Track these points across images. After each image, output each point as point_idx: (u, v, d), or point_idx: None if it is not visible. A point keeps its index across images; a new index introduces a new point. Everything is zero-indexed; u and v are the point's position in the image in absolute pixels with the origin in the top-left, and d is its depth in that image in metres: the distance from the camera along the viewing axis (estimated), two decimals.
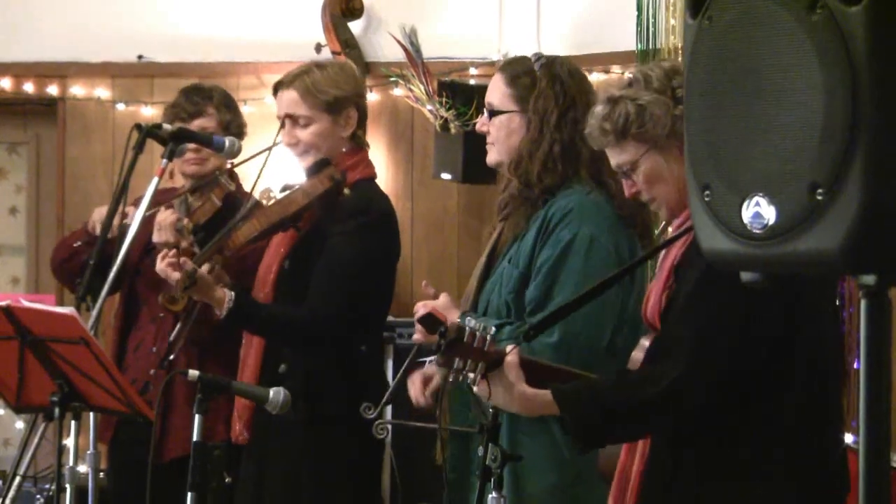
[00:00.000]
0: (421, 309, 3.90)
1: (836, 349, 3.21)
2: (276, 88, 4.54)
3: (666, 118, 3.16)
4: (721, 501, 3.09)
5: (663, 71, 3.23)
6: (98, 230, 4.75)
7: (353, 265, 4.38)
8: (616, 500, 3.28)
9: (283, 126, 4.50)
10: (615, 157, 3.28)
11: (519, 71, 4.12)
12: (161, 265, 4.31)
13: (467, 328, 3.19)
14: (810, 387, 3.07)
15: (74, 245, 4.88)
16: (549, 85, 4.03)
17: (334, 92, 4.47)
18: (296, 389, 4.08)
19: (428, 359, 5.41)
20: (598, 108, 3.26)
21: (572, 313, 3.62)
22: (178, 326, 4.51)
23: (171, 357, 4.54)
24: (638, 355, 3.31)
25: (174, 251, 4.36)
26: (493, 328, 3.28)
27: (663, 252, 3.29)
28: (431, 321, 3.31)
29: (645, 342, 3.30)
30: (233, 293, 4.30)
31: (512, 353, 3.25)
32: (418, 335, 3.92)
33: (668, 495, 3.15)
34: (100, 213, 4.83)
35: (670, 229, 3.32)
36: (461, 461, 4.04)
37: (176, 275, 4.25)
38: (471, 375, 3.25)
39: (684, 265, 3.12)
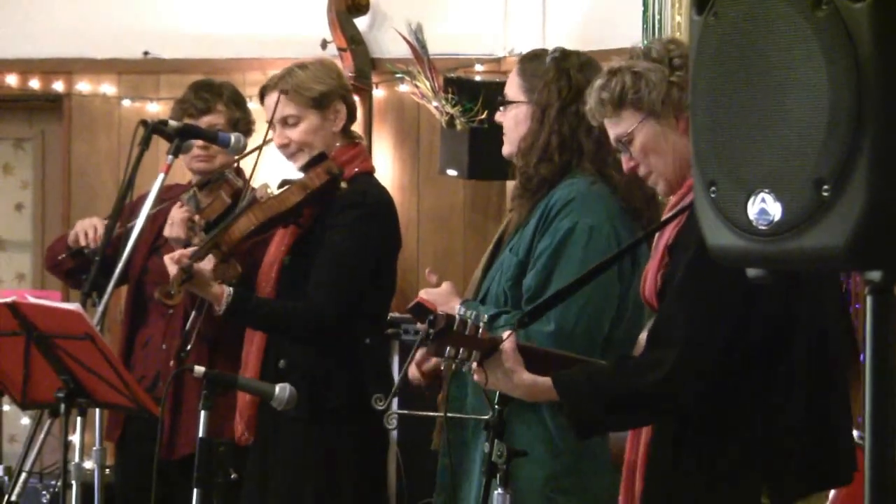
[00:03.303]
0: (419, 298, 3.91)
1: (841, 338, 3.19)
2: (262, 93, 4.56)
3: (661, 84, 3.21)
4: (720, 494, 3.09)
5: (662, 43, 3.30)
6: (83, 242, 4.77)
7: (350, 256, 4.38)
8: (627, 490, 3.29)
9: (273, 128, 4.52)
10: (612, 130, 3.31)
11: (533, 63, 4.16)
12: (166, 258, 4.33)
13: (457, 317, 3.20)
14: (813, 376, 3.07)
15: (59, 258, 4.90)
16: (555, 77, 4.05)
17: (319, 88, 4.49)
18: (297, 384, 4.08)
19: None
20: (598, 81, 3.32)
21: (570, 305, 3.64)
22: (192, 315, 4.51)
23: (188, 348, 4.54)
24: (644, 337, 3.31)
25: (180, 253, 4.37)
26: (486, 316, 3.29)
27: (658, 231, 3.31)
28: (421, 310, 3.32)
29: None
30: (231, 289, 4.31)
31: (508, 340, 3.26)
32: (419, 325, 3.90)
33: (668, 489, 3.15)
34: (82, 225, 4.83)
35: (666, 209, 3.33)
36: (456, 447, 4.05)
37: (175, 269, 4.26)
38: (466, 363, 3.26)
39: (678, 245, 3.12)
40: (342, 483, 4.41)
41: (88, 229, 4.78)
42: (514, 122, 4.14)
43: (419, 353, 4.14)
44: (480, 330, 3.22)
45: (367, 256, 4.43)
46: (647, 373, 3.07)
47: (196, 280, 4.26)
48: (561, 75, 4.05)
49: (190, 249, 4.38)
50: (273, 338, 4.46)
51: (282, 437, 4.43)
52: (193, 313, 4.51)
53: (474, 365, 3.27)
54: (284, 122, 4.50)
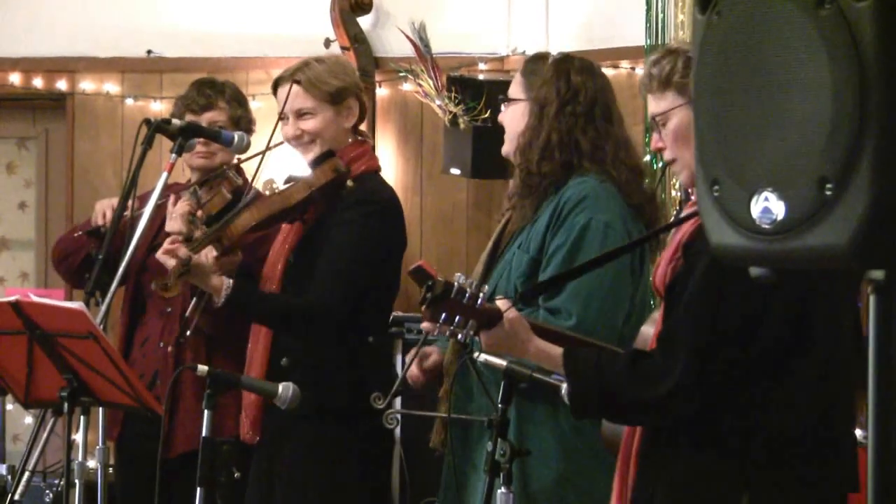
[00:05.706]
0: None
1: (852, 344, 3.18)
2: (277, 84, 4.55)
3: None
4: (710, 484, 3.08)
5: None
6: (101, 221, 4.77)
7: (354, 253, 4.37)
8: (622, 473, 3.29)
9: (281, 120, 4.50)
10: (653, 106, 3.31)
11: (535, 64, 4.24)
12: (159, 252, 4.32)
13: (456, 284, 3.19)
14: (820, 380, 3.06)
15: (76, 235, 4.89)
16: (554, 77, 4.12)
17: (335, 83, 4.48)
18: (301, 382, 4.07)
19: None
20: (654, 55, 3.33)
21: (591, 301, 3.64)
22: (192, 302, 4.50)
23: (187, 333, 4.55)
24: (648, 330, 3.31)
25: (172, 239, 4.36)
26: (486, 287, 3.29)
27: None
28: (421, 275, 3.29)
29: (657, 315, 3.30)
30: (230, 280, 4.30)
31: (511, 310, 3.26)
32: (426, 323, 3.90)
33: (661, 478, 3.15)
34: (101, 205, 4.84)
35: (688, 205, 3.32)
36: (460, 447, 4.06)
37: (171, 262, 4.25)
38: (462, 332, 3.26)
39: (694, 245, 3.12)
40: (347, 481, 4.41)
41: (107, 209, 4.79)
42: (511, 118, 4.20)
43: (416, 352, 4.16)
44: (480, 300, 3.21)
45: (371, 253, 4.41)
46: (654, 384, 3.05)
47: (195, 272, 4.26)
48: (560, 75, 4.12)
49: (174, 240, 4.37)
50: (276, 334, 4.46)
51: (289, 436, 4.42)
52: (194, 300, 4.49)
53: (468, 334, 3.27)
54: (299, 114, 4.48)
